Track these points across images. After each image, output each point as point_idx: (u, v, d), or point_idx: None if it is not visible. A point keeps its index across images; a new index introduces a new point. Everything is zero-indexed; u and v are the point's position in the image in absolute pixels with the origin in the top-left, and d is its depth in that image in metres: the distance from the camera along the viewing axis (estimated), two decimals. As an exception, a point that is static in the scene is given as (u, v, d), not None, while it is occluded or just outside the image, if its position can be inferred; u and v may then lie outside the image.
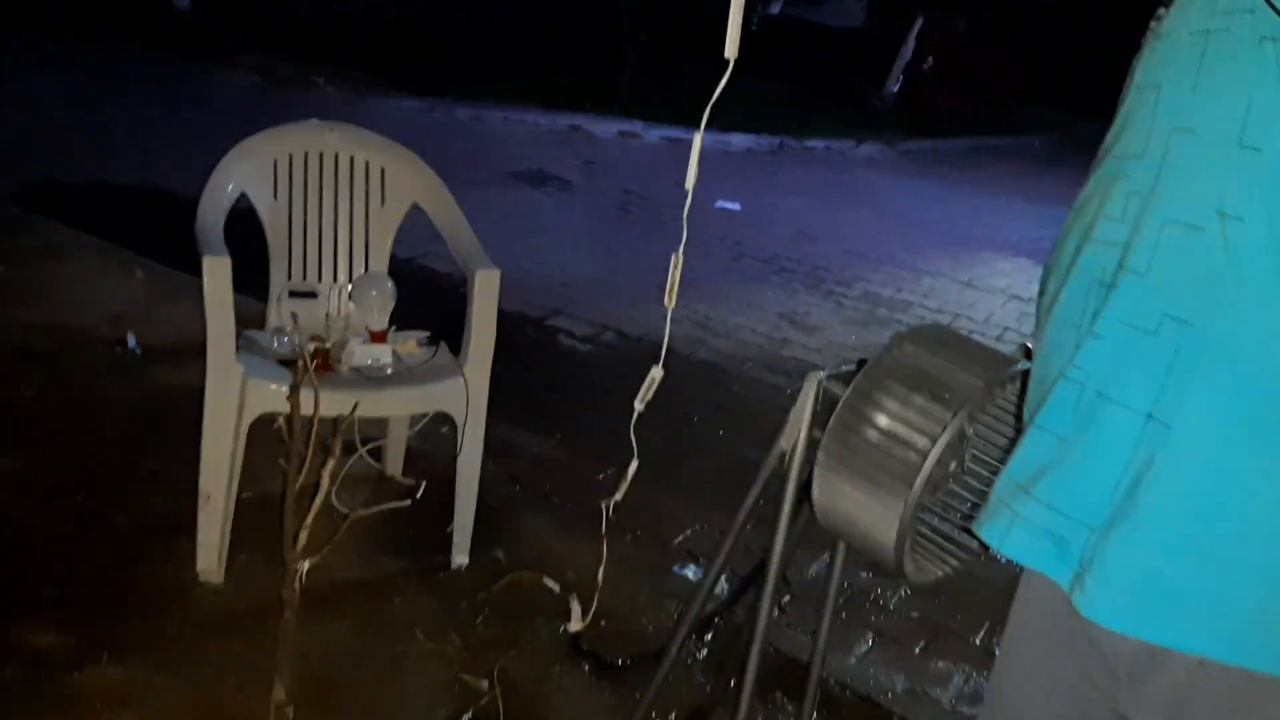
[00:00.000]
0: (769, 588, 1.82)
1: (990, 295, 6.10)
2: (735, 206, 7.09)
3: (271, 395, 2.31)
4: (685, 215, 1.48)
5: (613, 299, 5.00)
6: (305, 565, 2.02)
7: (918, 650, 2.72)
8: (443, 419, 2.61)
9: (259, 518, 2.49)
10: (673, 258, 1.59)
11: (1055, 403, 1.04)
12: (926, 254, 6.62)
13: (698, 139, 1.41)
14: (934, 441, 1.49)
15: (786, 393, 4.21)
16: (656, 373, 1.69)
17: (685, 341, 4.56)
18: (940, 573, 1.72)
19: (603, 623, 2.52)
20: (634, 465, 1.76)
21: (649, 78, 10.52)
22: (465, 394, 2.47)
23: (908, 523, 1.53)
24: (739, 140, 9.54)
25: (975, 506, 1.82)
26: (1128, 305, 0.99)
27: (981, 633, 2.81)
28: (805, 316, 5.17)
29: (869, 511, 1.57)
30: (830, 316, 5.26)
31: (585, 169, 7.74)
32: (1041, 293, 1.16)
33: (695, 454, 3.61)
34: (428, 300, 3.29)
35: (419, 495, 2.43)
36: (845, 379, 1.79)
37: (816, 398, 1.74)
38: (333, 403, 2.14)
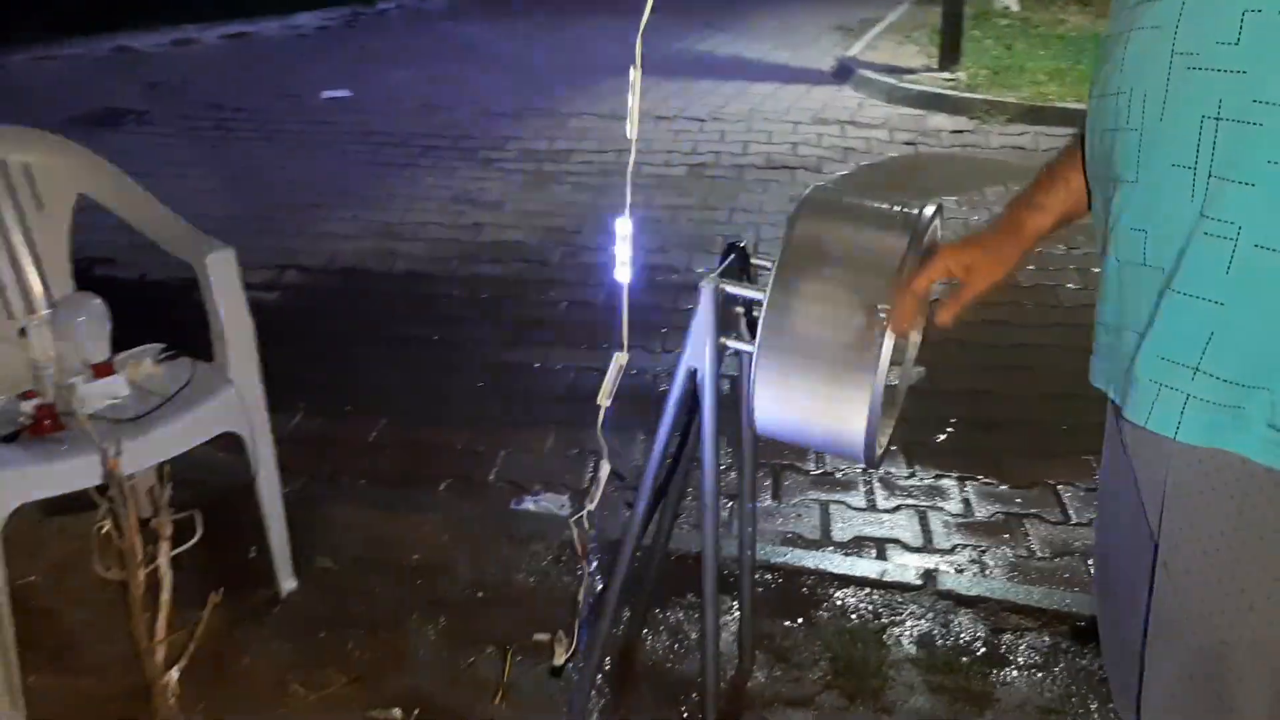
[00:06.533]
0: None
1: (634, 121, 6.07)
2: (346, 93, 6.53)
3: (17, 484, 1.81)
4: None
5: (272, 232, 4.46)
6: (175, 675, 1.66)
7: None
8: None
9: (33, 617, 2.02)
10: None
11: (1199, 262, 0.94)
12: (555, 95, 6.45)
13: (635, 80, 1.19)
14: (884, 309, 1.40)
15: (511, 280, 3.99)
16: (621, 358, 1.46)
17: (377, 256, 4.15)
18: (886, 438, 1.66)
19: (480, 594, 2.29)
20: (605, 467, 1.52)
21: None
22: (244, 406, 2.08)
23: (880, 403, 1.44)
24: (307, 19, 8.77)
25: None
26: (1277, 143, 0.89)
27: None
28: (481, 193, 4.88)
29: (833, 403, 1.47)
30: (503, 185, 5.02)
31: (155, 93, 6.79)
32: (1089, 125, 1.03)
33: (454, 373, 3.34)
34: (132, 303, 2.71)
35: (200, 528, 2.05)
36: (733, 275, 1.66)
37: (717, 304, 1.59)
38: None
